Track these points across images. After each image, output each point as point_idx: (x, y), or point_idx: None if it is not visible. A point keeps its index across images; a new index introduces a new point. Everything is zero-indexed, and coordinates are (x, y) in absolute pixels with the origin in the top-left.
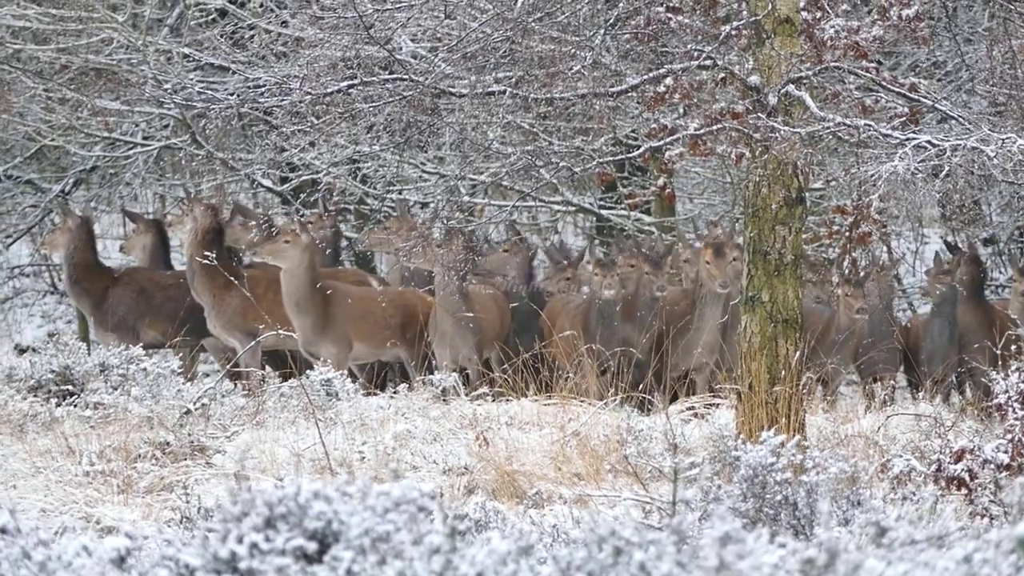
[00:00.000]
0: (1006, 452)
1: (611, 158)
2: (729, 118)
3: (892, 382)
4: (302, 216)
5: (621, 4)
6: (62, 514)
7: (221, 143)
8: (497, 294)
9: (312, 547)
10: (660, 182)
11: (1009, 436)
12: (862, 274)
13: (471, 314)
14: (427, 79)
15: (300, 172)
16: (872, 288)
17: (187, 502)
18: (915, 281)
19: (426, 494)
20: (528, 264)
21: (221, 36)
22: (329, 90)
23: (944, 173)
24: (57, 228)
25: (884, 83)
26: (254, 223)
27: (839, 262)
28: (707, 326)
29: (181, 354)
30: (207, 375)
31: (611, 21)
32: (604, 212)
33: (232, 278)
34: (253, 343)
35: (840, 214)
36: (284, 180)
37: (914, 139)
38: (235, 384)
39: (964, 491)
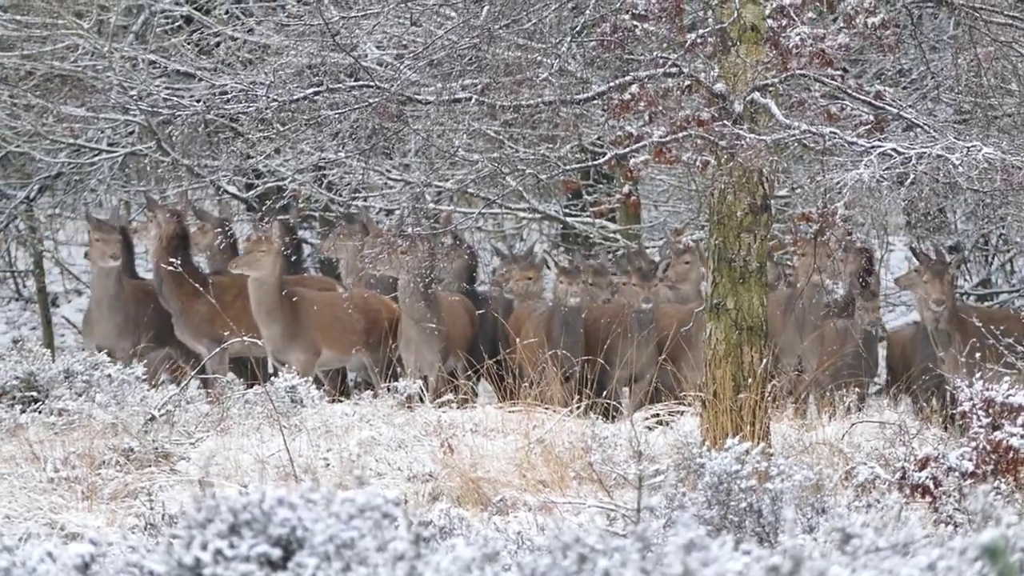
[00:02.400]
0: (971, 460)
1: (576, 165)
2: (695, 125)
3: (859, 389)
4: (266, 223)
5: (587, 11)
6: (26, 520)
7: (187, 150)
8: (465, 301)
9: (276, 553)
10: (625, 189)
11: (973, 444)
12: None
13: (435, 321)
14: (393, 86)
15: (265, 179)
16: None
17: (151, 509)
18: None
19: (390, 501)
20: (469, 269)
21: (187, 43)
22: (295, 97)
23: (909, 181)
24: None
25: (849, 91)
26: (210, 227)
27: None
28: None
29: (146, 361)
30: (172, 382)
31: (577, 28)
32: (569, 219)
33: (199, 285)
34: (219, 349)
35: (805, 221)
36: (249, 187)
37: (879, 147)
38: (200, 391)
39: (929, 499)
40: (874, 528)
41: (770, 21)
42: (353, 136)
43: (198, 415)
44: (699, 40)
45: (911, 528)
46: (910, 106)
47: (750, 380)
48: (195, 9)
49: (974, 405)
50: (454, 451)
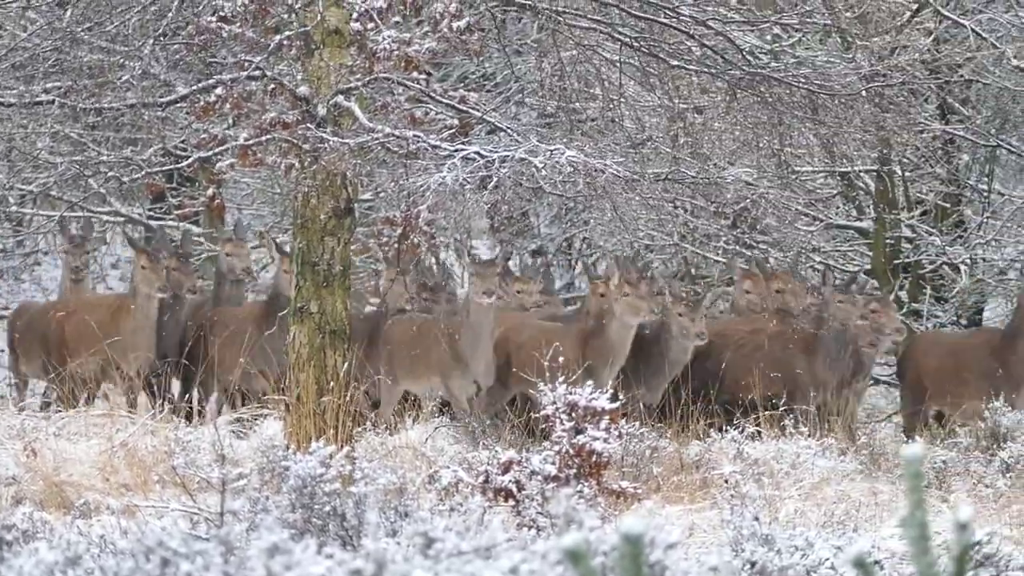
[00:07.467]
0: (553, 463)
1: (160, 168)
2: (279, 128)
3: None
4: None
5: (170, 15)
6: None
7: None
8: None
9: None
10: (210, 192)
11: (556, 448)
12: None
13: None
14: None
15: None
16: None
17: None
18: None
19: None
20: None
21: None
22: None
23: (492, 184)
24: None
25: (434, 95)
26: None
27: (389, 273)
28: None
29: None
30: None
31: (161, 31)
32: (153, 222)
33: None
34: None
35: (389, 225)
36: None
37: (463, 150)
38: None
39: (512, 502)
40: (457, 531)
41: (356, 24)
42: None
43: None
44: (285, 43)
45: (494, 531)
46: (494, 110)
47: (333, 384)
48: None
49: (557, 409)
50: (37, 454)
